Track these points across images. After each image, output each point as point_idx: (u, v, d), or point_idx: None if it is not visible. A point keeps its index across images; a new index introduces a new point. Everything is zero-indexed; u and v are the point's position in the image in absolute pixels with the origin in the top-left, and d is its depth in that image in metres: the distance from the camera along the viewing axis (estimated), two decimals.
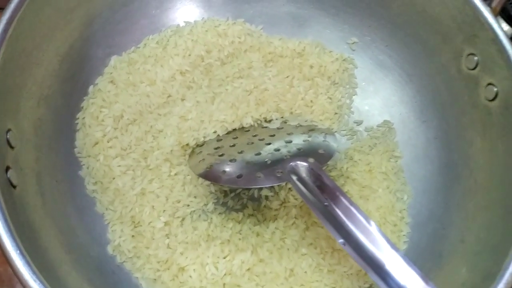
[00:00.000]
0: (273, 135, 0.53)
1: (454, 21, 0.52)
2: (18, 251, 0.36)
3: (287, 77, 0.58)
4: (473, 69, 0.51)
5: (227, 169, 0.49)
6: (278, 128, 0.54)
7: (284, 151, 0.50)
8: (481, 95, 0.51)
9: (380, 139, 0.59)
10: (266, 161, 0.49)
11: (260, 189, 0.55)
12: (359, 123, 0.60)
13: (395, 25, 0.58)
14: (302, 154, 0.50)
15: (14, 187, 0.41)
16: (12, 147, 0.42)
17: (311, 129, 0.55)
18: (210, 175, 0.50)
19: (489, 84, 0.50)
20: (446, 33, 0.53)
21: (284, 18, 0.62)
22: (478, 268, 0.44)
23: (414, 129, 0.58)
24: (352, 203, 0.44)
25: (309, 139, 0.53)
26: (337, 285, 0.50)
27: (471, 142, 0.52)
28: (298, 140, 0.52)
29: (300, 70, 0.60)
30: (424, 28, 0.56)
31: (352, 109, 0.61)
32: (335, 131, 0.58)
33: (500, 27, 0.48)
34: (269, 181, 0.48)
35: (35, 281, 0.35)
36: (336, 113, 0.59)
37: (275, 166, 0.49)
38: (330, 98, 0.60)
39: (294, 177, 0.47)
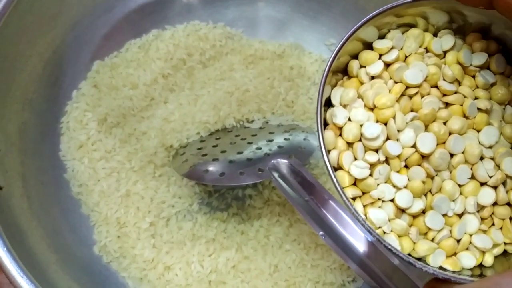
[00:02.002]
0: (255, 135, 0.54)
1: None
2: (5, 248, 0.36)
3: (268, 78, 0.60)
4: None
5: (210, 168, 0.50)
6: (260, 128, 0.56)
7: (265, 149, 0.51)
8: None
9: None
10: (248, 159, 0.51)
11: (244, 188, 0.56)
12: None
13: None
14: (283, 151, 0.51)
15: (0, 188, 0.41)
16: None
17: (292, 128, 0.56)
18: (193, 175, 0.51)
19: None
20: None
21: (263, 21, 0.64)
22: None
23: None
24: (331, 197, 0.45)
25: (290, 137, 0.54)
26: (321, 279, 0.51)
27: None
28: (279, 139, 0.53)
29: (281, 72, 0.61)
30: None
31: None
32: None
33: None
34: (251, 179, 0.49)
35: (22, 277, 0.36)
36: None
37: (257, 164, 0.50)
38: (311, 99, 0.61)
39: (276, 174, 0.48)
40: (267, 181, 0.55)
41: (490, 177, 0.38)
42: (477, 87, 0.40)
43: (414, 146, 0.38)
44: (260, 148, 0.52)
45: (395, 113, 0.38)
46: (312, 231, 0.52)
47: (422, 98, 0.39)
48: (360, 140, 0.39)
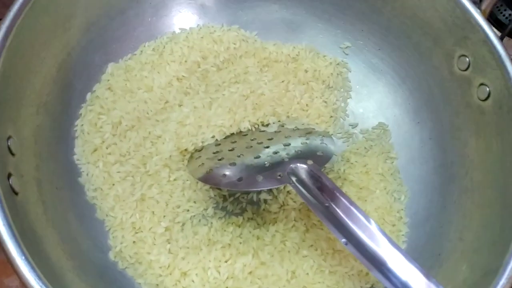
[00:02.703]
0: (271, 139, 0.53)
1: (445, 24, 0.53)
2: (23, 257, 0.35)
3: (283, 81, 0.59)
4: (465, 70, 0.53)
5: (227, 172, 0.49)
6: (275, 132, 0.55)
7: (283, 154, 0.51)
8: (474, 95, 0.52)
9: (375, 141, 0.59)
10: (266, 164, 0.50)
11: (259, 193, 0.55)
12: (354, 125, 0.61)
13: (386, 30, 0.59)
14: (301, 156, 0.50)
15: (16, 193, 0.40)
16: (13, 154, 0.42)
17: (309, 132, 0.55)
18: (210, 179, 0.50)
19: (482, 84, 0.51)
20: (437, 35, 0.55)
21: (277, 24, 0.63)
22: (478, 264, 0.45)
23: (409, 130, 0.59)
24: (352, 203, 0.45)
25: (307, 141, 0.53)
26: (339, 285, 0.50)
27: (466, 142, 0.53)
28: (296, 143, 0.53)
29: (295, 75, 0.60)
30: (415, 32, 0.57)
31: (347, 112, 0.61)
32: (331, 134, 0.59)
33: (490, 28, 0.50)
34: (269, 184, 0.49)
35: (41, 287, 0.35)
36: (331, 116, 0.60)
37: (275, 169, 0.49)
38: (325, 102, 0.60)
39: (294, 179, 0.48)
40: (282, 186, 0.54)
41: None
42: None
43: None
44: (277, 152, 0.51)
45: None
46: (329, 236, 0.52)
47: None
48: None
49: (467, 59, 0.52)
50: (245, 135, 0.55)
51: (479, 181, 0.51)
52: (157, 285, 0.48)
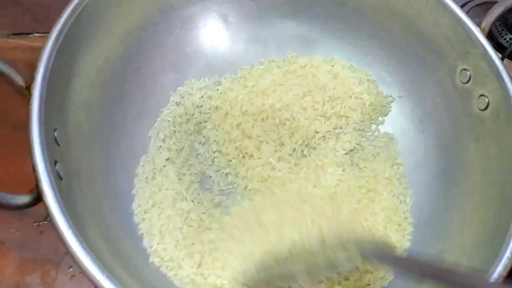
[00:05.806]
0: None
1: (448, 40, 0.58)
2: (70, 230, 0.40)
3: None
4: (466, 82, 0.57)
5: None
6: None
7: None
8: (474, 105, 0.56)
9: (382, 148, 0.64)
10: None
11: None
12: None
13: (394, 45, 0.65)
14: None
15: (61, 179, 0.45)
16: (58, 144, 0.47)
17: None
18: None
19: (481, 95, 0.56)
20: (441, 51, 0.60)
21: (294, 39, 0.68)
22: (478, 257, 0.48)
23: (414, 138, 0.64)
24: None
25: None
26: None
27: (467, 148, 0.57)
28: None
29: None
30: (421, 48, 0.62)
31: None
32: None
33: (489, 43, 0.55)
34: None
35: (86, 256, 0.39)
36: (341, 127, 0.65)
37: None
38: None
39: None
40: None
41: None
42: None
43: None
44: None
45: None
46: None
47: None
48: None
49: (468, 72, 0.57)
50: None
51: (479, 183, 0.55)
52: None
